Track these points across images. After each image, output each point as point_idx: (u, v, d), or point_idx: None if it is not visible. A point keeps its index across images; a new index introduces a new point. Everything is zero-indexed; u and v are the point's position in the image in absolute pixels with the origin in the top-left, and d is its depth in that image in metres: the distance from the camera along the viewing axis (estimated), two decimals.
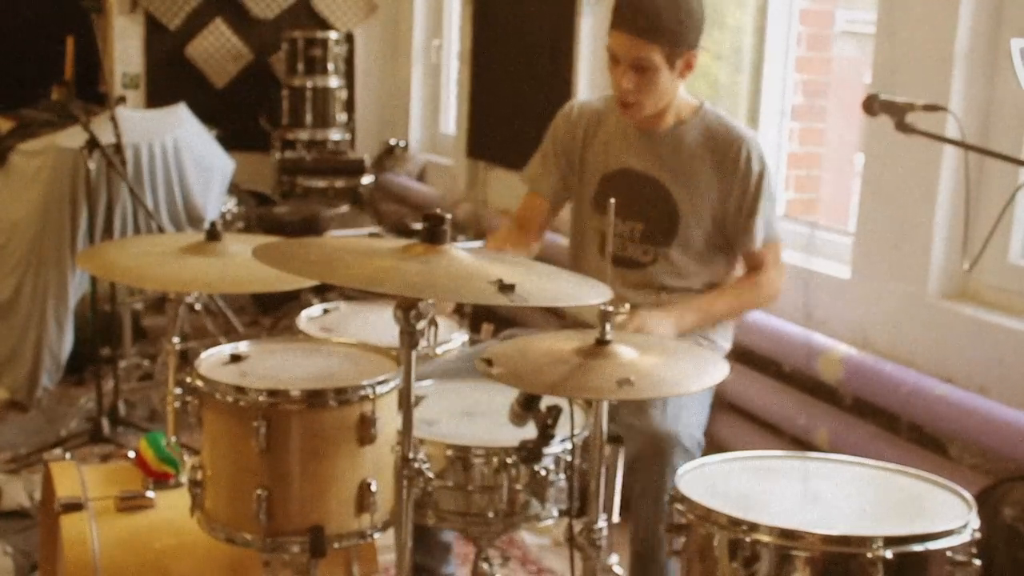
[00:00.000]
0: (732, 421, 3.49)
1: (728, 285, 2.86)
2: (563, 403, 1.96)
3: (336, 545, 2.07)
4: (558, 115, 2.97)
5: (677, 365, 1.93)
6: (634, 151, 2.80)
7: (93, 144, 3.91)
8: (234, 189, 5.50)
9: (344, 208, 5.97)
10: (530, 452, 1.97)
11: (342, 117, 6.52)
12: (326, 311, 2.82)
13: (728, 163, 2.73)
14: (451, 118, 6.31)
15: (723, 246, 2.83)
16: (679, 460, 2.38)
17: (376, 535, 2.12)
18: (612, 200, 2.08)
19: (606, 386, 1.79)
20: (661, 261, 2.78)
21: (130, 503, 2.41)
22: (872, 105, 2.11)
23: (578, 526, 1.98)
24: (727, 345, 2.90)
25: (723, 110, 2.87)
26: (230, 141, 5.55)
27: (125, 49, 6.43)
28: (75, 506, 2.37)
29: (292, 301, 4.82)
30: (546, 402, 1.96)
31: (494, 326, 2.79)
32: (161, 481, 2.48)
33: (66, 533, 2.33)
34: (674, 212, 2.76)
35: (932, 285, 2.95)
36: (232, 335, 4.80)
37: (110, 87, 5.98)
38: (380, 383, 2.07)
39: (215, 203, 5.03)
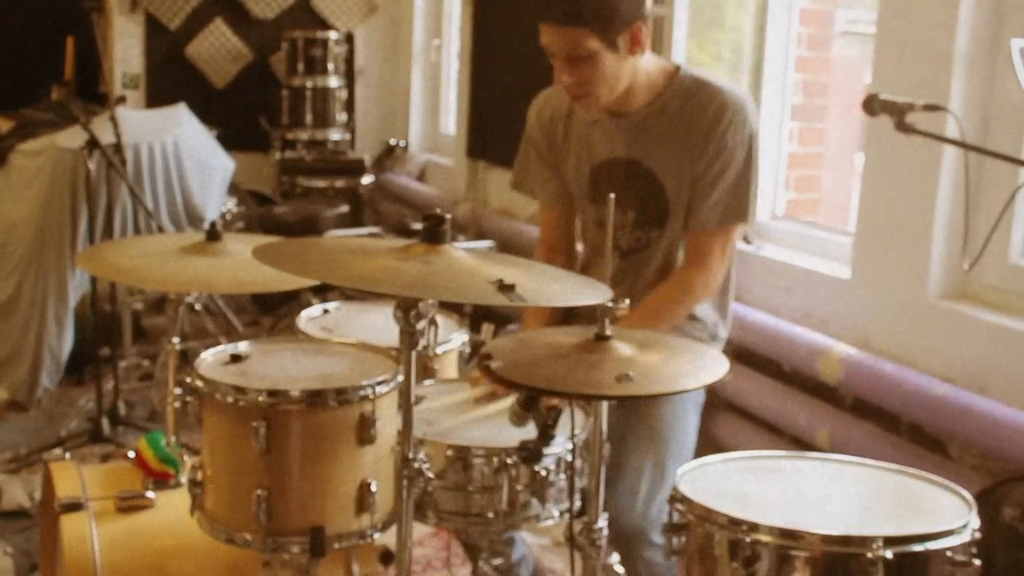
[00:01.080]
0: (732, 421, 3.49)
1: (652, 298, 2.55)
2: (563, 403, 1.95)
3: (336, 545, 2.07)
4: (529, 115, 2.77)
5: (677, 361, 1.92)
6: (613, 138, 2.62)
7: (93, 144, 3.91)
8: (234, 189, 5.51)
9: (344, 208, 5.98)
10: (530, 452, 1.97)
11: (342, 117, 6.53)
12: (326, 311, 2.82)
13: (705, 127, 2.48)
14: (451, 118, 6.31)
15: None
16: (648, 554, 2.35)
17: (376, 535, 2.12)
18: (612, 195, 2.03)
19: (605, 381, 1.78)
20: (654, 246, 2.63)
21: (130, 503, 2.40)
22: (872, 105, 2.11)
23: (578, 526, 1.98)
24: (724, 334, 2.72)
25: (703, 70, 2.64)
26: (230, 141, 5.56)
27: (125, 49, 6.43)
28: (75, 506, 2.37)
29: (292, 301, 4.82)
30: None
31: (495, 326, 2.79)
32: (161, 481, 2.48)
33: (66, 533, 2.33)
34: (662, 194, 2.58)
35: (932, 285, 2.95)
36: (232, 335, 4.80)
37: (110, 87, 5.98)
38: (380, 383, 2.07)
39: (215, 203, 5.03)
